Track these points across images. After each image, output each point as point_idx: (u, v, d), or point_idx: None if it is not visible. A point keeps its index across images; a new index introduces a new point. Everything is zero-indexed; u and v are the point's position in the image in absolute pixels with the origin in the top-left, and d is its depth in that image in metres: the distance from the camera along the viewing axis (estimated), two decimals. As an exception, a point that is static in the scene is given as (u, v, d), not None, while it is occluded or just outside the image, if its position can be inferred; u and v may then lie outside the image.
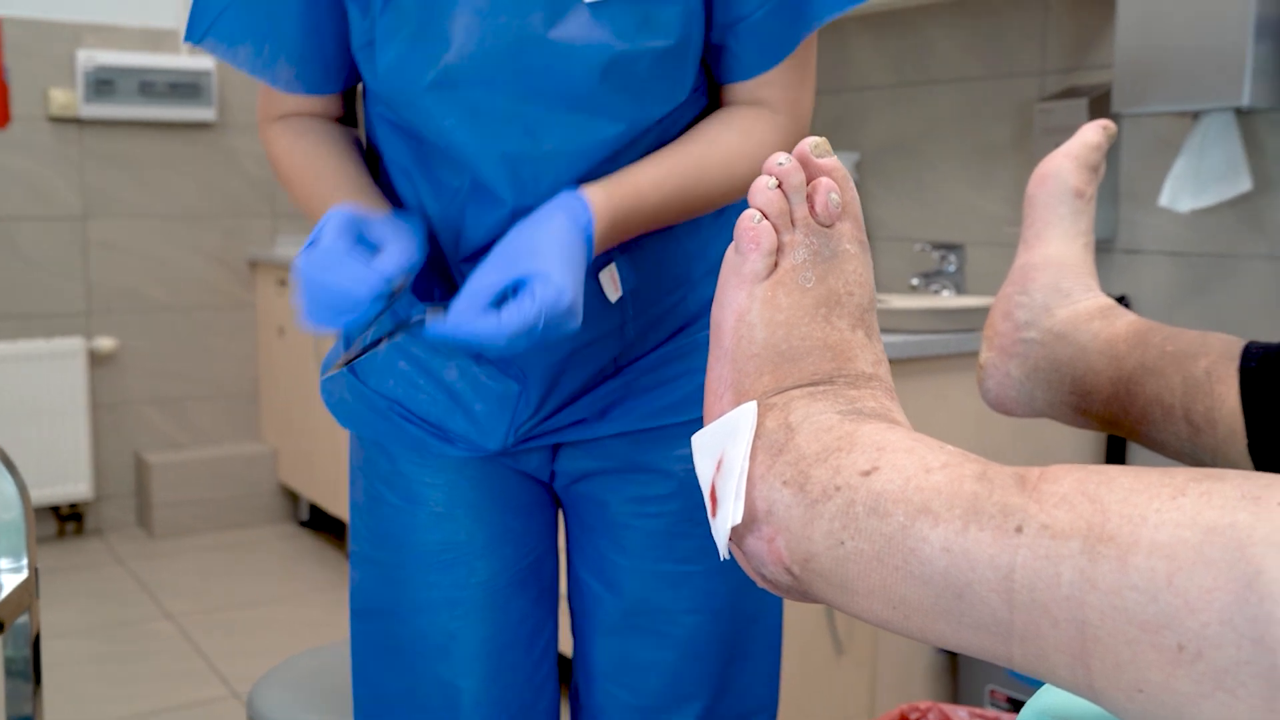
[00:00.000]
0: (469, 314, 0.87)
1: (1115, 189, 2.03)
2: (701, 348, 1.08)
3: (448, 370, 1.06)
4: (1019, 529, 0.51)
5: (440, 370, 1.06)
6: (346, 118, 1.12)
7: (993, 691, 1.73)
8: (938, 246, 2.25)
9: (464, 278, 1.02)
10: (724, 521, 0.60)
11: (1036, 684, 1.63)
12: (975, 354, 1.84)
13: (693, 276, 1.07)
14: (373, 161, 1.09)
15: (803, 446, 0.60)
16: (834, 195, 0.65)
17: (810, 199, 0.65)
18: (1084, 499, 0.51)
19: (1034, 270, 1.00)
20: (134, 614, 2.92)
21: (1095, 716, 0.56)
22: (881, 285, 2.45)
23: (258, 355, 3.74)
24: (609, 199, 0.94)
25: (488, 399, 1.05)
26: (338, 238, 0.89)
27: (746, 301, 0.64)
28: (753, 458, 0.61)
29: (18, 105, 3.33)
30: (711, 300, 1.08)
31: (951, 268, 2.27)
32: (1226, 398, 0.88)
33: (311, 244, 0.90)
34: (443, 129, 0.96)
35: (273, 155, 1.09)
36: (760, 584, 0.64)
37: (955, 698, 1.81)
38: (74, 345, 3.39)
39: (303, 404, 3.45)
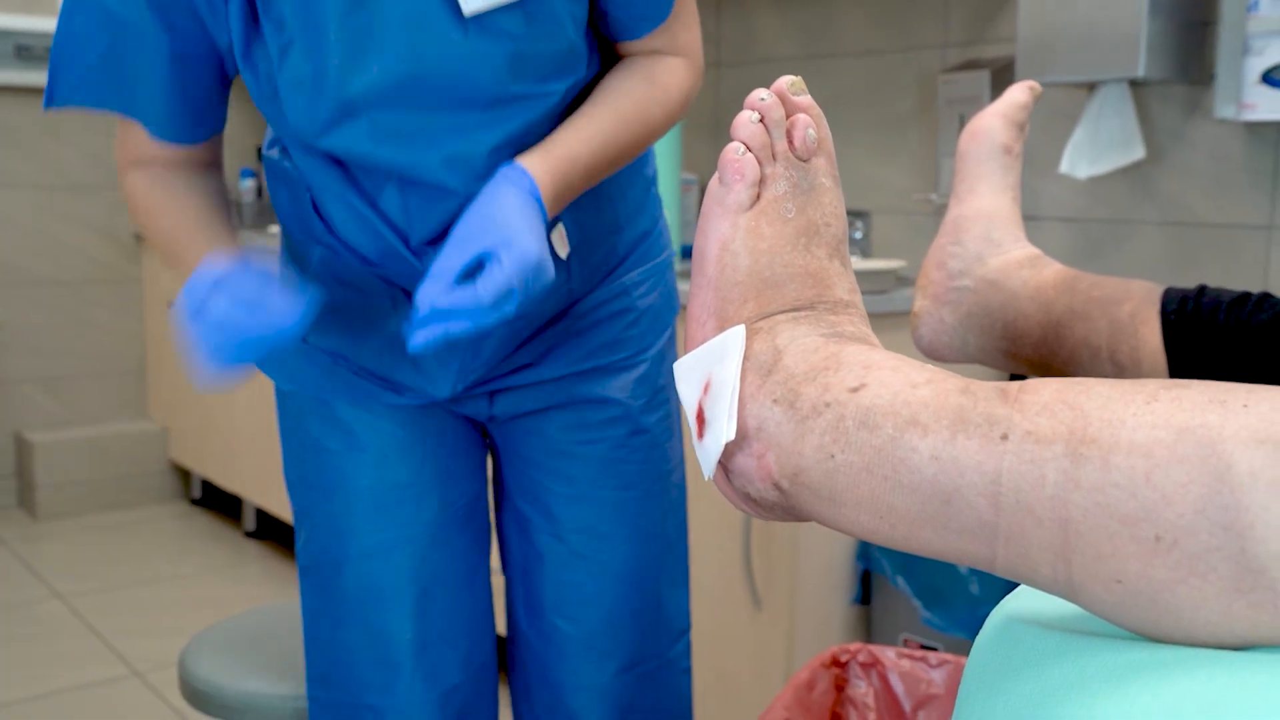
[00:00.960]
0: (439, 293, 0.87)
1: (1013, 159, 2.10)
2: (628, 289, 1.13)
3: (393, 322, 1.06)
4: (1004, 436, 0.54)
5: (384, 322, 1.06)
6: (217, 157, 1.12)
7: (906, 640, 1.79)
8: (846, 214, 2.30)
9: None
10: (715, 440, 0.62)
11: (950, 631, 1.69)
12: (885, 314, 1.89)
13: (619, 220, 1.12)
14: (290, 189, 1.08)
15: (791, 366, 0.62)
16: (811, 131, 0.67)
17: (789, 134, 0.67)
18: (1064, 406, 0.54)
19: (966, 222, 1.03)
20: (22, 596, 2.81)
21: (1062, 618, 0.59)
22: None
23: (145, 330, 3.63)
24: (547, 166, 0.97)
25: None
26: (244, 273, 0.92)
27: (730, 231, 0.66)
28: (742, 379, 0.63)
29: (-116, 67, 3.17)
30: (633, 244, 1.11)
31: (859, 234, 2.33)
32: (1149, 339, 0.93)
33: (196, 297, 0.92)
34: (376, 155, 0.97)
35: (132, 199, 1.08)
36: (741, 505, 0.66)
37: (869, 648, 1.86)
38: (-51, 320, 3.25)
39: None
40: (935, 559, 0.60)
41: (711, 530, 1.90)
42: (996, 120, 1.04)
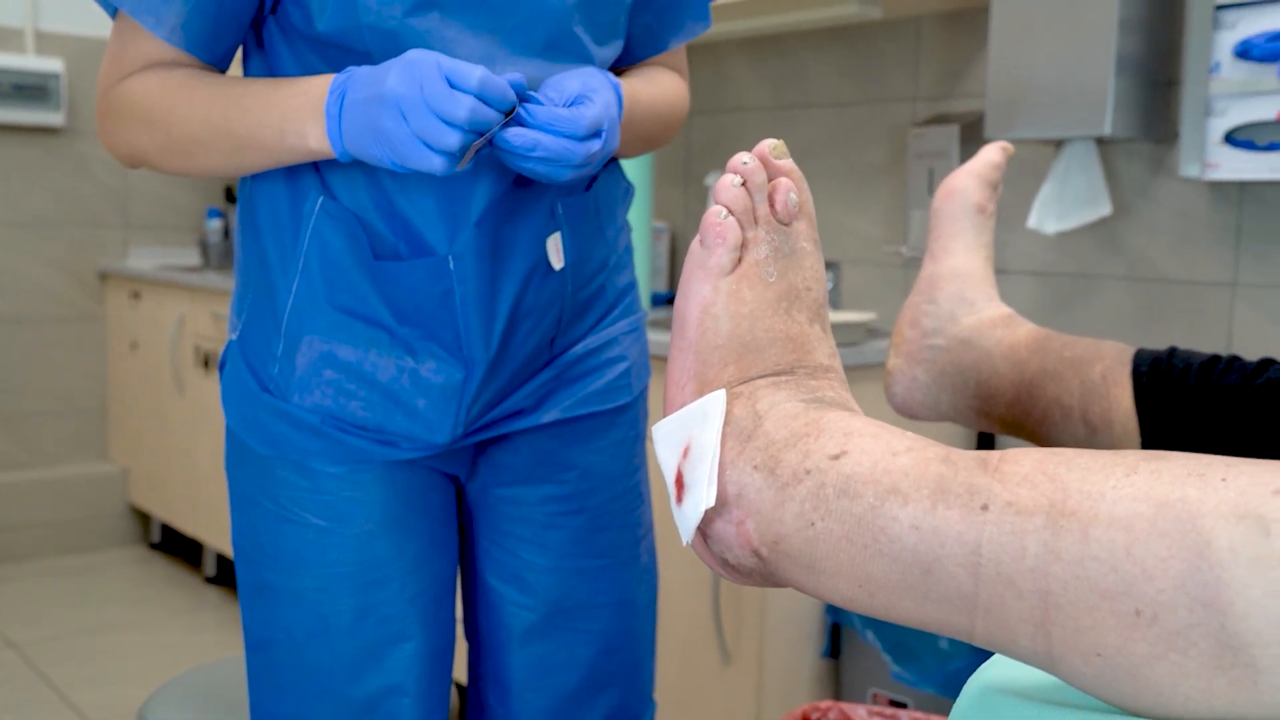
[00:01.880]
0: (542, 110, 0.91)
1: (981, 213, 2.12)
2: (616, 340, 1.13)
3: (382, 369, 1.02)
4: (985, 506, 0.54)
5: (374, 372, 1.02)
6: None
7: (875, 694, 1.78)
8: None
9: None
10: (695, 506, 0.62)
11: (920, 686, 1.68)
12: (856, 366, 1.89)
13: (609, 264, 1.12)
14: None
15: (771, 432, 0.62)
16: (793, 195, 0.68)
17: (771, 198, 0.67)
18: (1044, 478, 0.53)
19: (940, 280, 1.04)
20: (-26, 643, 2.75)
21: (1040, 688, 0.59)
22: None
23: (108, 371, 3.59)
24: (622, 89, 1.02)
25: (430, 393, 1.02)
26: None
27: (712, 294, 0.66)
28: (722, 444, 0.62)
29: None
30: (620, 294, 1.12)
31: (829, 285, 2.34)
32: (1121, 400, 0.94)
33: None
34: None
35: (132, 100, 0.97)
36: (719, 570, 0.66)
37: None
38: (-94, 359, 3.20)
39: (156, 421, 3.32)
40: (915, 628, 0.59)
41: (680, 584, 1.89)
42: (970, 179, 1.05)
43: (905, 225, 2.20)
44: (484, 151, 0.94)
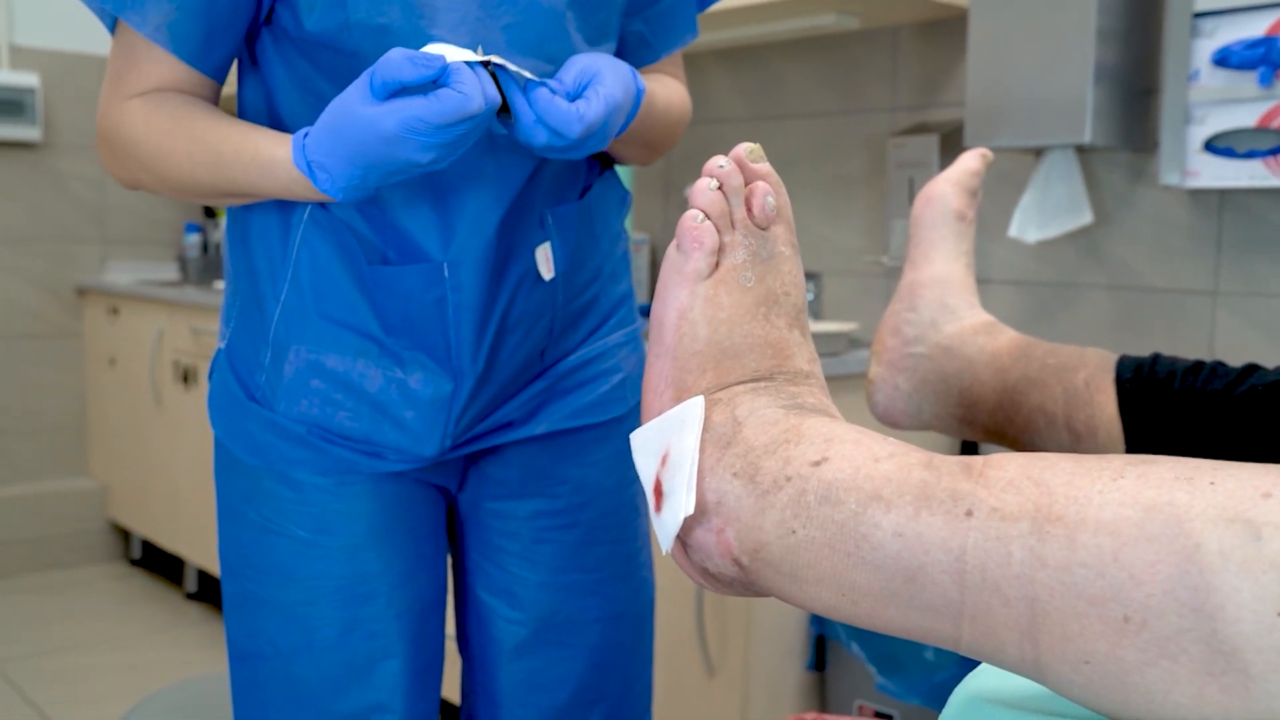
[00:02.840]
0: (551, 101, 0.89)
1: (962, 222, 2.12)
2: (611, 351, 1.11)
3: (369, 379, 1.00)
4: (969, 513, 0.53)
5: (361, 382, 1.00)
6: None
7: (861, 706, 1.77)
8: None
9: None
10: (674, 514, 0.61)
11: (905, 698, 1.67)
12: (838, 376, 1.89)
13: (603, 273, 1.11)
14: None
15: (751, 439, 0.61)
16: (770, 199, 0.67)
17: (748, 202, 0.67)
18: (1030, 483, 0.53)
19: (921, 288, 1.04)
20: (-49, 662, 2.72)
21: (1028, 697, 0.58)
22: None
23: (85, 387, 3.56)
24: None
25: (418, 405, 1.01)
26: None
27: (689, 299, 0.65)
28: (701, 451, 0.61)
29: None
30: (616, 304, 1.10)
31: (810, 296, 2.34)
32: (1105, 407, 0.93)
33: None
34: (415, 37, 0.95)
35: (124, 135, 0.96)
36: (699, 580, 0.65)
37: (824, 713, 1.84)
38: (-119, 375, 3.17)
39: (135, 437, 3.29)
40: (898, 637, 0.58)
41: (664, 594, 1.88)
42: (950, 187, 1.05)
43: (886, 235, 2.20)
44: (494, 136, 0.94)
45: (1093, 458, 0.54)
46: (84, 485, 3.48)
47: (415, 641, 1.05)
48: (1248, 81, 1.63)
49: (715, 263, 0.66)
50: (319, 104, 0.96)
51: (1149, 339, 1.88)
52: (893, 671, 1.68)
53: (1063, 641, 0.49)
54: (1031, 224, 1.86)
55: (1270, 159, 1.62)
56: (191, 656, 2.80)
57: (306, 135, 0.89)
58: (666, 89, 1.11)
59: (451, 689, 2.04)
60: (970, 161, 1.06)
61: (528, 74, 0.90)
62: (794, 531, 0.57)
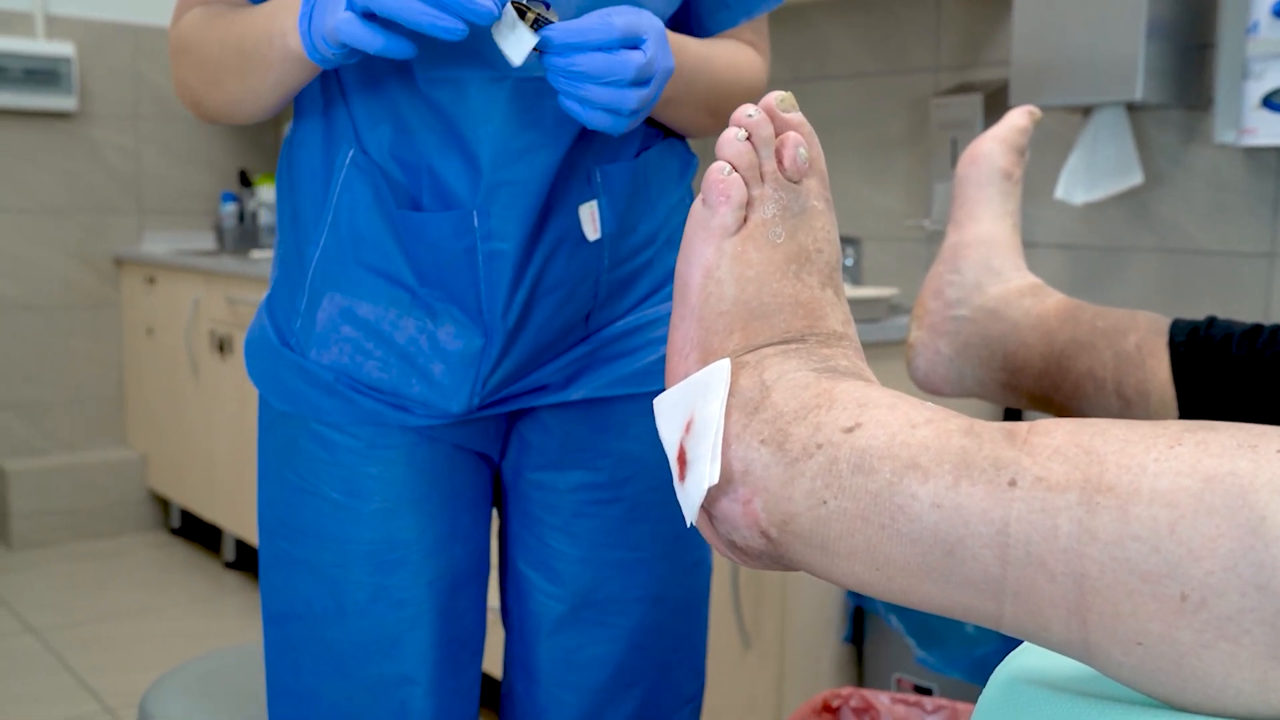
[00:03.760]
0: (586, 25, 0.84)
1: (1007, 184, 2.07)
2: (661, 320, 1.06)
3: (401, 329, 0.98)
4: (1012, 482, 0.50)
5: (392, 332, 0.98)
6: None
7: (899, 679, 1.74)
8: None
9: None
10: (697, 483, 0.58)
11: (945, 671, 1.64)
12: (877, 344, 1.85)
13: (658, 239, 1.05)
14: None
15: (780, 404, 0.58)
16: (802, 150, 0.63)
17: (778, 153, 0.64)
18: (1078, 450, 0.50)
19: (965, 249, 1.00)
20: (-7, 630, 2.75)
21: (1073, 679, 0.55)
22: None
23: (123, 357, 3.58)
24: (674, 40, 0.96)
25: (447, 359, 0.98)
26: None
27: (715, 257, 0.62)
28: (727, 417, 0.58)
29: None
30: (672, 273, 1.06)
31: (849, 261, 2.29)
32: (1158, 371, 0.90)
33: None
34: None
35: (179, 37, 1.00)
36: (726, 552, 0.62)
37: (861, 687, 1.81)
38: (-77, 346, 3.20)
39: (173, 406, 3.31)
40: (937, 614, 0.55)
41: (699, 565, 1.85)
42: (996, 145, 1.01)
43: (928, 198, 2.14)
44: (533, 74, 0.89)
45: (1147, 424, 0.50)
46: (123, 455, 3.51)
47: (446, 613, 1.03)
48: (1309, 33, 1.56)
49: (743, 218, 0.63)
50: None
51: (1201, 304, 1.83)
52: (932, 645, 1.64)
53: (1113, 621, 0.47)
54: (1079, 185, 1.80)
55: (1332, 115, 1.56)
56: (230, 625, 2.82)
57: None
58: (733, 52, 1.05)
59: (493, 664, 2.04)
60: (1018, 119, 1.02)
61: (553, 15, 0.86)
62: (825, 502, 0.54)
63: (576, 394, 1.03)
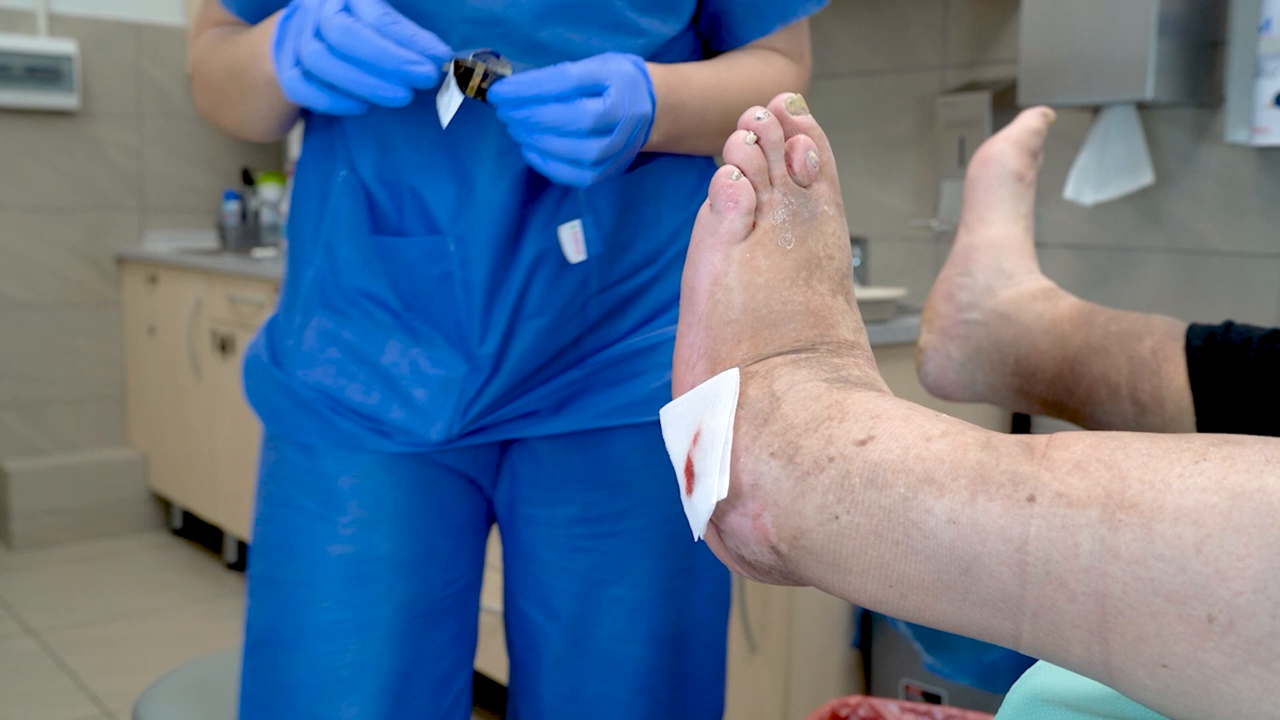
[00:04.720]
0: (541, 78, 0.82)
1: (1015, 184, 2.05)
2: (665, 345, 1.01)
3: (385, 353, 0.96)
4: (1031, 498, 0.48)
5: (376, 355, 0.96)
6: None
7: (908, 686, 1.72)
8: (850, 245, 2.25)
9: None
10: (705, 497, 0.56)
11: (954, 678, 1.62)
12: (885, 345, 1.83)
13: (662, 258, 1.00)
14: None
15: (790, 416, 0.56)
16: (812, 154, 0.62)
17: (788, 157, 0.62)
18: (1100, 465, 0.48)
19: (976, 252, 0.98)
20: (-7, 631, 2.74)
21: (1093, 699, 0.53)
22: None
23: (125, 356, 3.57)
24: (658, 70, 0.91)
25: (429, 384, 0.95)
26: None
27: (723, 263, 0.60)
28: (735, 429, 0.56)
29: None
30: (680, 294, 1.02)
31: (856, 261, 2.27)
32: (1174, 377, 0.88)
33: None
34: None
35: (194, 61, 1.01)
36: (735, 567, 0.60)
37: (869, 693, 1.80)
38: (-77, 345, 3.19)
39: (175, 406, 3.29)
40: (953, 632, 0.53)
41: (703, 568, 1.83)
42: (1009, 146, 0.99)
43: (935, 198, 2.12)
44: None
45: (1169, 437, 0.48)
46: (124, 455, 3.50)
47: (414, 647, 0.97)
48: (1323, 31, 1.54)
49: (752, 223, 0.61)
50: None
51: (1213, 305, 1.80)
52: (941, 650, 1.63)
53: (1136, 642, 0.45)
54: (1089, 185, 1.78)
55: (1346, 114, 1.53)
56: (231, 627, 2.80)
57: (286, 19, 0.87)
58: (752, 69, 0.99)
59: (486, 662, 2.02)
60: (1031, 120, 1.00)
61: (506, 70, 0.83)
62: (837, 517, 0.52)
63: (569, 424, 0.99)
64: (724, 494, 0.55)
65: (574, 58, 0.89)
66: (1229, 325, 0.88)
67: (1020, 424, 1.96)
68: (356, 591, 0.96)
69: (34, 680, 2.48)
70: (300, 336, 0.99)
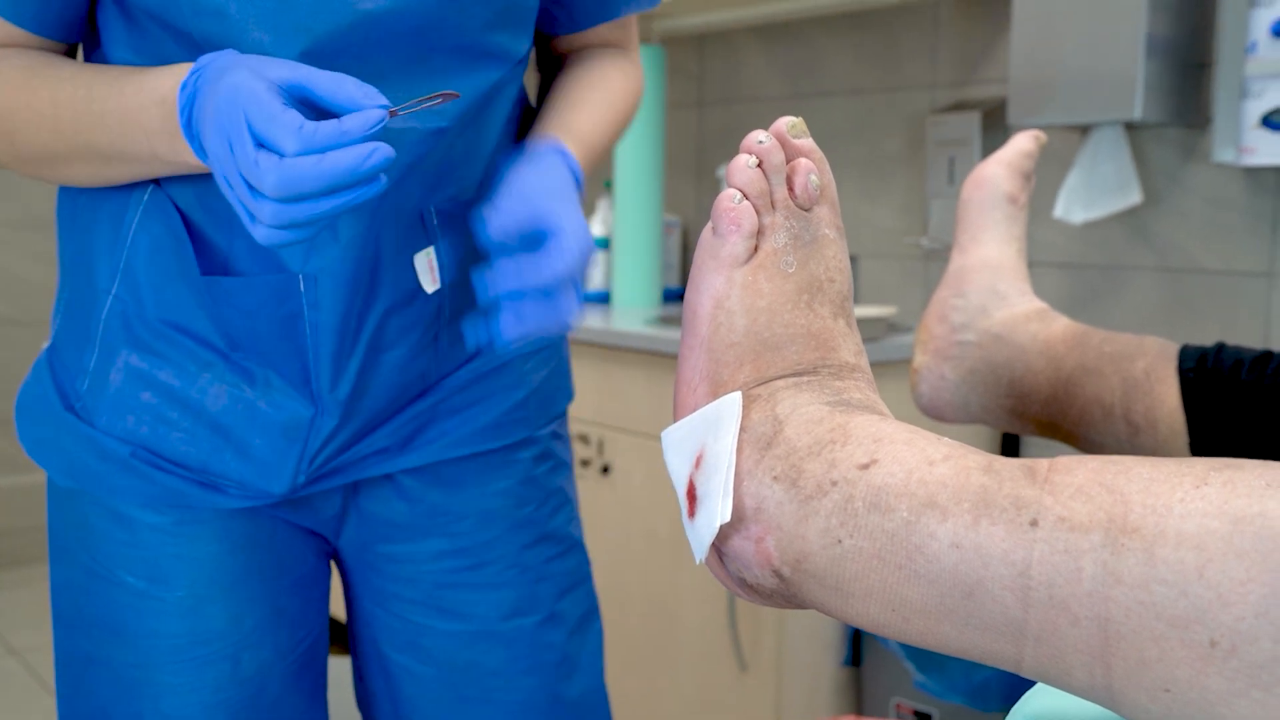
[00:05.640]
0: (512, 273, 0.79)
1: (1003, 203, 2.06)
2: (514, 364, 0.97)
3: (211, 397, 0.85)
4: (1034, 522, 0.48)
5: (201, 399, 0.85)
6: None
7: (899, 705, 1.72)
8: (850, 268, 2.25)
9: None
10: (708, 521, 0.56)
11: (945, 697, 1.62)
12: (877, 363, 1.83)
13: None
14: None
15: (793, 439, 0.56)
16: (814, 177, 0.62)
17: (789, 180, 0.62)
18: (1102, 489, 0.48)
19: (970, 273, 0.99)
20: (-25, 650, 2.72)
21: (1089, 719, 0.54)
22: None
23: (112, 372, 3.55)
24: (577, 147, 0.89)
25: (268, 430, 0.86)
26: (272, 101, 0.68)
27: (725, 287, 0.60)
28: (738, 452, 0.56)
29: None
30: None
31: (844, 280, 2.28)
32: (1166, 398, 0.88)
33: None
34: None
35: None
36: (736, 590, 0.60)
37: (860, 712, 1.80)
38: (-94, 361, 3.16)
39: (162, 423, 3.28)
40: (955, 656, 0.53)
41: (695, 588, 1.83)
42: (1001, 169, 1.00)
43: (925, 216, 2.13)
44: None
45: (1171, 461, 0.49)
46: (111, 471, 3.48)
47: (270, 711, 0.91)
48: (1310, 53, 1.55)
49: (754, 246, 0.61)
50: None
51: (1201, 324, 1.81)
52: (932, 669, 1.63)
53: (1139, 667, 0.45)
54: (1077, 204, 1.79)
55: (1333, 135, 1.55)
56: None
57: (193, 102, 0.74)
58: (610, 88, 0.97)
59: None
60: (1023, 142, 1.01)
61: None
62: (840, 541, 0.53)
63: (419, 458, 0.93)
64: (727, 517, 0.55)
65: (479, 81, 0.85)
66: (1221, 347, 0.88)
67: (1009, 444, 1.97)
68: (198, 674, 0.88)
69: (16, 700, 2.46)
70: (102, 378, 0.86)
